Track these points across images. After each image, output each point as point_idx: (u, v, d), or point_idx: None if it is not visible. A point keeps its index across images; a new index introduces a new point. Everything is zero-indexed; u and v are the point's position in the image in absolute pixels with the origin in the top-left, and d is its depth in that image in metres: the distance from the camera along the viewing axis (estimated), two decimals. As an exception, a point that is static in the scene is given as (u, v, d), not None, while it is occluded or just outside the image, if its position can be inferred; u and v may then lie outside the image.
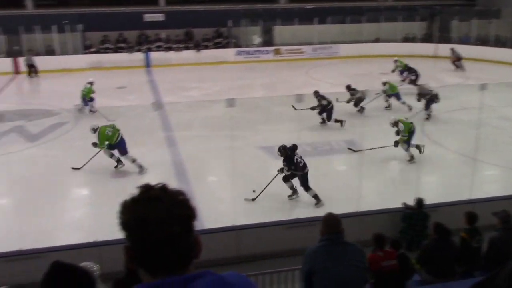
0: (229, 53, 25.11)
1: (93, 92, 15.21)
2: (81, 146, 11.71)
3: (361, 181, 9.31)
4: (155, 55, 24.34)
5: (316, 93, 13.72)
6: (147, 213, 1.37)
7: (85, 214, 9.41)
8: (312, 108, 13.63)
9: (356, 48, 25.37)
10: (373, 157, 11.20)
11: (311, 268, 3.93)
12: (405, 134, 11.10)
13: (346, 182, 10.25)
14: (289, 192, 9.42)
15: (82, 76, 21.79)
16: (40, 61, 22.63)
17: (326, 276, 3.87)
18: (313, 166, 9.42)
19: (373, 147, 11.55)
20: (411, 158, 11.25)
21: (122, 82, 20.33)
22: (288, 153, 9.07)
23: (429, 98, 14.12)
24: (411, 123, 11.39)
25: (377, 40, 26.30)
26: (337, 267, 3.87)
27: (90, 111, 15.17)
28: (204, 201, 8.79)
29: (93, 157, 10.80)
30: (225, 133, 12.09)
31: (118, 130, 10.71)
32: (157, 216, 1.37)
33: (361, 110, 14.75)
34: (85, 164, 10.83)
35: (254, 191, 9.31)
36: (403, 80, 18.19)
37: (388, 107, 15.44)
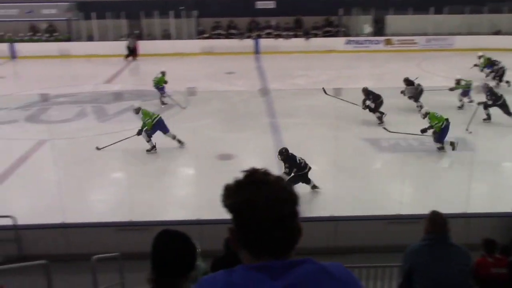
0: (338, 42, 24.74)
1: (165, 81, 15.30)
2: (189, 127, 12.25)
3: (470, 181, 8.80)
4: (264, 42, 24.65)
5: (366, 91, 13.14)
6: (256, 196, 1.40)
7: (190, 193, 9.87)
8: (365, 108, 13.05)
9: (473, 40, 23.77)
10: (484, 158, 10.52)
11: (412, 266, 3.81)
12: (433, 124, 10.92)
13: (454, 180, 9.75)
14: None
15: (195, 61, 22.92)
16: (157, 45, 24.00)
17: (427, 276, 3.72)
18: (421, 161, 9.08)
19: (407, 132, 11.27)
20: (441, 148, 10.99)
21: (231, 67, 20.88)
22: (289, 155, 8.93)
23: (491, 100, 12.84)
24: (445, 119, 11.01)
25: (497, 33, 24.51)
26: (439, 268, 3.70)
27: (161, 100, 15.33)
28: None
29: (125, 139, 11.26)
30: (329, 122, 11.99)
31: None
32: (267, 198, 1.39)
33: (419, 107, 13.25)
34: (111, 145, 11.27)
35: None
36: (488, 76, 16.83)
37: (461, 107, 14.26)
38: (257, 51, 24.56)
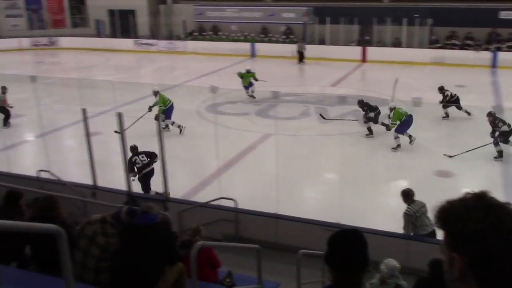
0: None
1: (252, 77, 16.97)
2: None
3: None
4: (504, 56, 22.51)
5: (361, 103, 13.39)
6: (501, 221, 1.21)
7: (399, 203, 9.61)
8: (366, 120, 13.18)
9: None
10: None
11: None
12: (394, 122, 12.20)
13: None
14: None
15: (424, 70, 22.11)
16: (386, 52, 23.85)
17: None
18: None
19: None
20: (396, 147, 12.05)
21: (462, 80, 19.57)
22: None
23: None
24: (408, 115, 12.15)
25: None
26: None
27: (250, 95, 17.00)
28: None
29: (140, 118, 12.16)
30: None
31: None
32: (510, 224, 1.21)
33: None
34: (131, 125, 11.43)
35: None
36: None
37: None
38: (494, 65, 22.55)
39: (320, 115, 14.44)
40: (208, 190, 9.80)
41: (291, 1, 28.27)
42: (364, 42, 25.13)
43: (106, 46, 29.50)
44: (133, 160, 9.63)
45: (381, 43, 25.05)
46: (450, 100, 14.20)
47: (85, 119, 9.08)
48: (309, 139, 13.36)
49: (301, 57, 24.96)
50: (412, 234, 7.35)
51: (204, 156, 12.23)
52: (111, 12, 30.47)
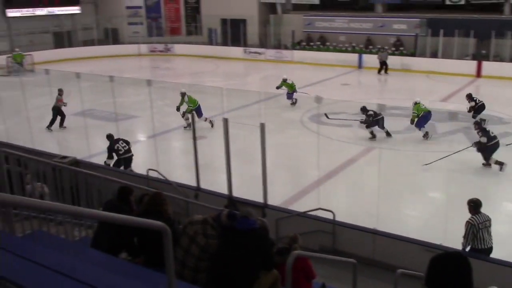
0: None
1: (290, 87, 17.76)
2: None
3: None
4: None
5: (364, 109, 14.02)
6: None
7: (509, 229, 8.96)
8: (361, 122, 14.18)
9: None
10: None
11: None
12: (416, 113, 13.86)
13: None
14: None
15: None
16: (504, 67, 22.39)
17: None
18: None
19: None
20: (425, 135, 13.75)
21: None
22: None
23: None
24: (427, 111, 13.87)
25: None
26: None
27: (292, 103, 17.83)
28: None
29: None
30: None
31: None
32: None
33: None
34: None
35: None
36: None
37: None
38: None
39: (325, 114, 15.11)
40: (306, 200, 9.81)
41: (403, 12, 27.49)
42: (480, 56, 23.76)
43: (217, 54, 30.64)
44: (116, 147, 10.97)
45: (499, 58, 23.53)
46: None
47: (192, 123, 9.50)
48: (413, 155, 12.88)
49: (382, 67, 24.38)
50: (469, 244, 7.10)
51: (305, 166, 12.25)
52: (224, 21, 31.59)
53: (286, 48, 29.59)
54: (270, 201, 8.85)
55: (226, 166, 8.96)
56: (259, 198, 8.76)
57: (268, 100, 14.31)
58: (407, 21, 26.61)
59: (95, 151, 12.12)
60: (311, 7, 30.38)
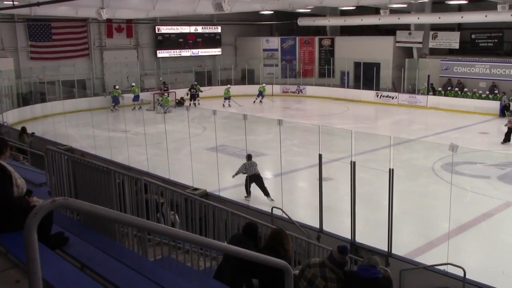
0: None
1: None
2: None
3: None
4: None
5: None
6: None
7: None
8: None
9: None
10: None
11: None
12: None
13: None
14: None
15: None
16: None
17: None
18: None
19: None
20: None
21: None
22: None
23: None
24: None
25: None
26: None
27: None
28: None
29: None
30: None
31: None
32: None
33: None
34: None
35: None
36: None
37: None
38: None
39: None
40: (434, 253, 9.29)
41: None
42: None
43: (348, 96, 30.66)
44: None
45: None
46: None
47: (320, 164, 9.57)
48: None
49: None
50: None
51: (435, 216, 11.61)
52: (357, 64, 31.61)
53: (420, 93, 28.70)
54: (395, 250, 8.52)
55: (351, 210, 8.84)
56: (383, 246, 8.48)
57: (399, 145, 13.88)
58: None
59: (224, 185, 12.65)
60: (450, 52, 29.29)
